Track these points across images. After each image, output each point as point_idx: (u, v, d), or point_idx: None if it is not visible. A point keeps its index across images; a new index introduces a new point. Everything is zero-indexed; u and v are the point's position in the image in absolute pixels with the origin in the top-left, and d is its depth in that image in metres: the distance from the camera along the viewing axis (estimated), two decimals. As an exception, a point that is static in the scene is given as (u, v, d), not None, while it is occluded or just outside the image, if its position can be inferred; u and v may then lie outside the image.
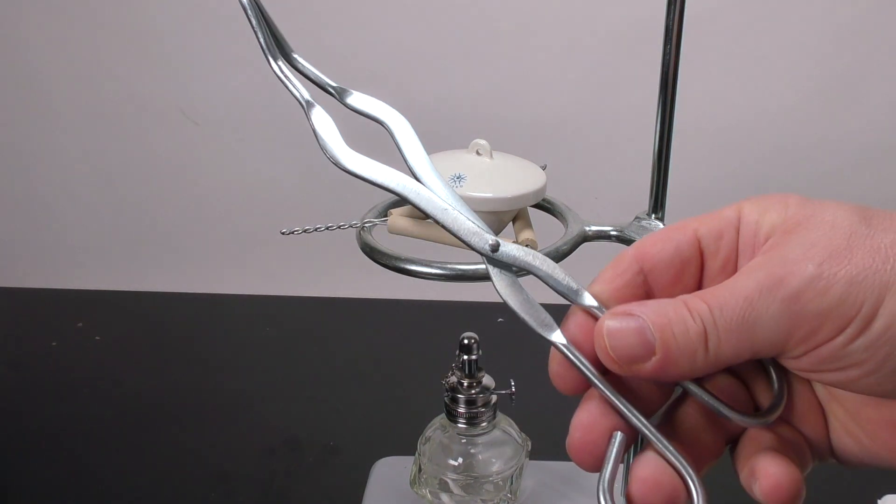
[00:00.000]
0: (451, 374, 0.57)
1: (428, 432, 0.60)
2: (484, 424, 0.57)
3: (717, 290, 0.29)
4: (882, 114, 0.96)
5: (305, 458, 0.76)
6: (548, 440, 0.66)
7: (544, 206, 0.51)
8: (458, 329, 0.57)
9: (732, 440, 0.32)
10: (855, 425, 0.31)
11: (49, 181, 1.06)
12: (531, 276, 0.43)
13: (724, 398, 0.31)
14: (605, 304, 0.31)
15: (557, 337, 0.31)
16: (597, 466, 0.30)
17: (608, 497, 0.28)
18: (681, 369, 0.29)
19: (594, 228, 0.48)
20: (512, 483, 0.59)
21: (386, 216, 0.48)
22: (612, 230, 0.49)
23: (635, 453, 0.57)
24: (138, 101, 1.00)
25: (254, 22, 0.33)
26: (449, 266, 0.43)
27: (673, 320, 0.28)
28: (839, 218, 0.29)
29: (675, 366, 0.29)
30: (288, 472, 0.75)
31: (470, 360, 0.56)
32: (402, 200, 0.51)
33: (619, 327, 0.29)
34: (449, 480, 0.58)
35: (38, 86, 1.01)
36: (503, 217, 0.46)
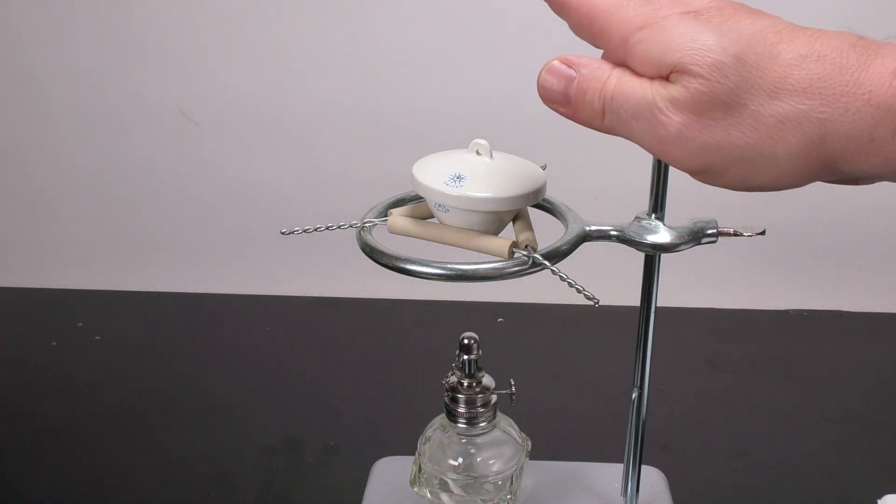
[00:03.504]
0: (451, 374, 0.57)
1: (428, 432, 0.60)
2: (484, 424, 0.57)
3: (630, 86, 0.35)
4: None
5: (305, 458, 0.76)
6: (548, 440, 0.66)
7: (544, 206, 0.51)
8: (458, 329, 0.57)
9: None
10: None
11: (49, 181, 1.06)
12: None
13: None
14: None
15: None
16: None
17: None
18: (582, 123, 0.37)
19: (594, 228, 0.48)
20: (512, 483, 0.59)
21: (386, 216, 0.48)
22: (612, 230, 0.48)
23: (634, 460, 0.57)
24: (138, 101, 1.00)
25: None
26: (449, 266, 0.43)
27: (588, 90, 0.36)
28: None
29: (578, 120, 0.37)
30: (288, 472, 0.75)
31: (470, 360, 0.56)
32: (402, 200, 0.51)
33: (549, 80, 0.37)
34: (449, 480, 0.58)
35: (38, 86, 1.01)
36: (503, 217, 0.46)
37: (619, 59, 0.36)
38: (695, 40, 0.33)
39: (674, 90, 0.33)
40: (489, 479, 0.58)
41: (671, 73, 0.34)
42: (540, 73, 0.38)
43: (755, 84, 0.32)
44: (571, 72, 0.37)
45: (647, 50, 0.34)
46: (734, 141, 0.33)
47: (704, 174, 0.35)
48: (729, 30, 0.33)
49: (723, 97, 0.32)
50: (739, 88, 0.32)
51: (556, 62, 0.37)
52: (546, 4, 0.40)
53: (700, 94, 0.33)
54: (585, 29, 0.38)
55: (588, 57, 0.37)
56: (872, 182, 0.35)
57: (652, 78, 0.34)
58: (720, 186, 0.35)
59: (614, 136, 0.37)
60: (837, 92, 0.31)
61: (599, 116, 0.36)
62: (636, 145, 0.36)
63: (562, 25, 0.40)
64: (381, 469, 0.66)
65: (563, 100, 0.37)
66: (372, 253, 0.46)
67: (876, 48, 0.32)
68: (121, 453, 0.77)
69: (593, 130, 0.37)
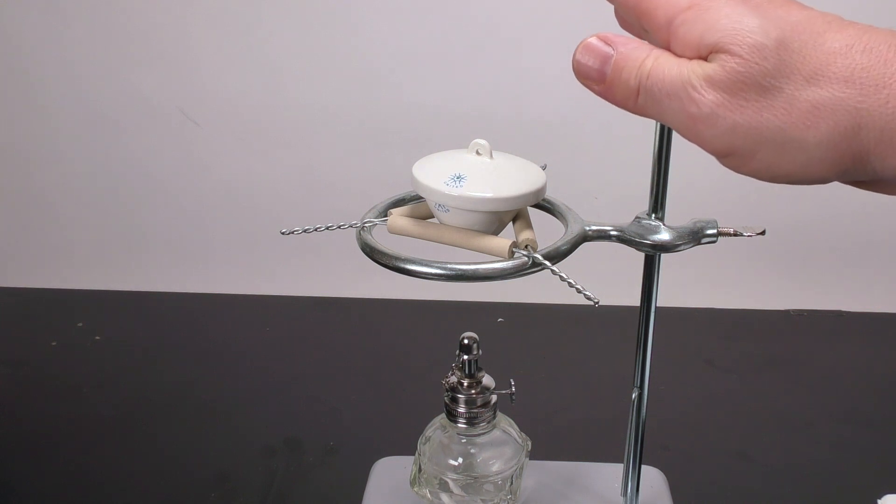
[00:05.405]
0: (451, 374, 0.57)
1: (428, 432, 0.60)
2: (484, 424, 0.57)
3: (667, 65, 0.35)
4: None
5: (305, 458, 0.76)
6: (548, 440, 0.66)
7: (544, 206, 0.51)
8: (458, 329, 0.57)
9: None
10: None
11: (49, 181, 1.06)
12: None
13: None
14: None
15: None
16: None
17: None
18: (615, 103, 0.37)
19: (594, 228, 0.48)
20: (512, 483, 0.59)
21: (386, 216, 0.48)
22: (612, 230, 0.48)
23: (634, 460, 0.56)
24: (138, 101, 1.00)
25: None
26: (449, 266, 0.43)
27: (626, 68, 0.36)
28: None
29: (612, 99, 0.37)
30: (288, 472, 0.75)
31: (470, 360, 0.56)
32: (402, 200, 0.51)
33: (585, 57, 0.37)
34: (449, 480, 0.58)
35: (37, 86, 1.01)
36: (503, 217, 0.46)
37: (662, 39, 0.36)
38: (738, 22, 0.33)
39: (710, 68, 0.33)
40: (489, 479, 0.58)
41: (710, 53, 0.34)
42: (576, 50, 0.37)
43: (794, 69, 0.32)
44: (609, 49, 0.36)
45: (690, 31, 0.34)
46: (765, 123, 0.33)
47: (732, 157, 0.35)
48: (775, 16, 0.33)
49: (758, 78, 0.33)
50: (777, 71, 0.32)
51: (593, 39, 0.37)
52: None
53: (736, 74, 0.33)
54: (632, 8, 0.37)
55: (625, 36, 0.37)
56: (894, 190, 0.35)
57: (691, 58, 0.35)
58: (747, 174, 0.35)
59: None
60: (880, 83, 0.31)
61: (634, 96, 0.36)
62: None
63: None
64: (381, 469, 0.66)
65: (599, 77, 0.37)
66: (372, 253, 0.46)
67: None
68: (121, 453, 0.77)
69: (624, 111, 0.37)
